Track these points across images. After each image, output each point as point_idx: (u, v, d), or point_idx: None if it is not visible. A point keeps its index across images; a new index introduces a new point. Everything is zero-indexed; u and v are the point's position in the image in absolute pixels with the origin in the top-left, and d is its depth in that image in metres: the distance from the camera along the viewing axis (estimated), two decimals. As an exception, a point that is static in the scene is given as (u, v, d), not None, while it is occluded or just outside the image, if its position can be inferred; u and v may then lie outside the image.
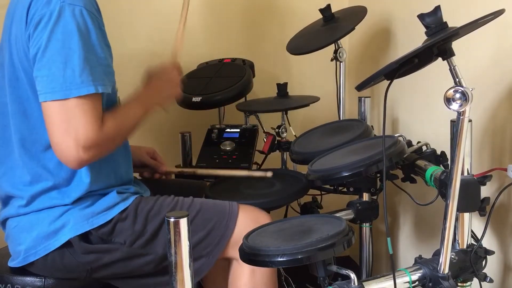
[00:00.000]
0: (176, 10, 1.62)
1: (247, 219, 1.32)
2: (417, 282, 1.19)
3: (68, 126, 1.13)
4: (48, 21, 1.14)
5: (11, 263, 1.30)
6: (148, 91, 1.40)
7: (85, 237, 1.26)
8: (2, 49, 1.30)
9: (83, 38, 1.16)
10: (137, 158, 1.58)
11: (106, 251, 1.27)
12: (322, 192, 1.80)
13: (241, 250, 1.14)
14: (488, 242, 1.39)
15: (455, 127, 1.09)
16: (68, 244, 1.25)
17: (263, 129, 1.90)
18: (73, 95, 1.13)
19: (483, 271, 1.27)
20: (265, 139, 1.84)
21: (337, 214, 1.52)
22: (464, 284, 1.27)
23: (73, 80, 1.13)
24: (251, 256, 1.11)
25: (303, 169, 1.55)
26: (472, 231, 1.28)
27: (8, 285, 1.28)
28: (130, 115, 1.29)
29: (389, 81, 1.10)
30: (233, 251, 1.32)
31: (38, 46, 1.15)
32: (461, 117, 1.07)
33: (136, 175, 1.58)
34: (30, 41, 1.17)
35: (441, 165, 1.38)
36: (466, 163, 1.21)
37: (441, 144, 1.41)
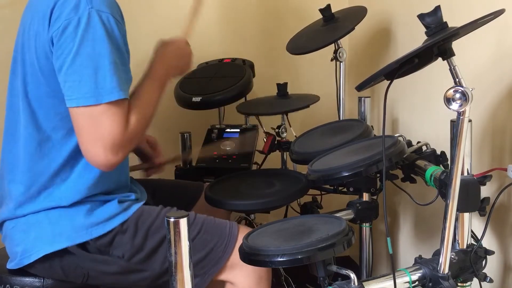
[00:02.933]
0: (177, 14, 1.62)
1: None
2: (417, 282, 1.19)
3: (96, 132, 1.14)
4: (77, 27, 1.14)
5: (9, 265, 1.29)
6: (161, 61, 1.38)
7: (82, 245, 1.26)
8: (18, 44, 1.30)
9: (112, 44, 1.16)
10: None
11: (103, 262, 1.27)
12: (322, 192, 1.80)
13: (241, 250, 1.14)
14: (488, 242, 1.39)
15: (455, 127, 1.09)
16: (66, 249, 1.25)
17: (263, 129, 1.90)
18: (104, 101, 1.14)
19: (483, 271, 1.27)
20: (265, 139, 1.84)
21: (337, 214, 1.52)
22: (464, 284, 1.27)
23: (104, 85, 1.14)
24: (251, 256, 1.11)
25: (303, 169, 1.55)
26: (472, 231, 1.27)
27: (7, 285, 1.28)
28: (149, 100, 1.28)
29: (389, 81, 1.10)
30: (229, 274, 1.32)
31: (67, 52, 1.15)
32: (461, 117, 1.07)
33: (135, 175, 1.58)
34: (54, 45, 1.16)
35: (441, 165, 1.37)
36: (466, 163, 1.20)
37: (441, 144, 1.41)
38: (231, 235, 1.33)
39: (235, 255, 1.27)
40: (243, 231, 1.34)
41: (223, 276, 1.33)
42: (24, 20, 1.30)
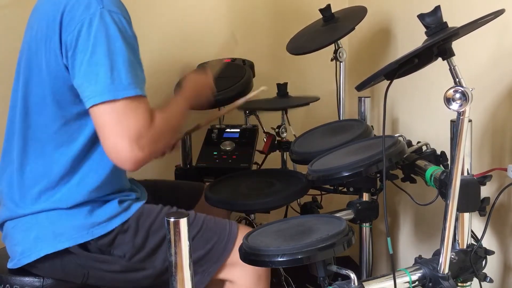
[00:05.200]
0: (179, 14, 1.62)
1: None
2: (417, 282, 1.19)
3: (121, 127, 1.13)
4: (89, 27, 1.15)
5: (9, 264, 1.29)
6: (187, 89, 1.43)
7: (83, 245, 1.25)
8: (24, 48, 1.30)
9: (126, 42, 1.17)
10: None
11: (104, 261, 1.27)
12: (322, 192, 1.80)
13: (241, 250, 1.14)
14: (488, 242, 1.39)
15: (455, 127, 1.09)
16: (66, 249, 1.24)
17: (263, 129, 1.90)
18: (122, 96, 1.14)
19: (483, 271, 1.27)
20: (265, 139, 1.84)
21: (337, 214, 1.52)
22: (464, 284, 1.27)
23: (120, 82, 1.14)
24: (251, 256, 1.11)
25: (303, 169, 1.55)
26: (472, 231, 1.27)
27: (7, 285, 1.28)
28: (176, 109, 1.32)
29: (389, 81, 1.10)
30: (229, 273, 1.32)
31: (83, 53, 1.15)
32: (461, 117, 1.07)
33: (136, 175, 1.57)
34: (71, 49, 1.16)
35: (441, 165, 1.38)
36: (466, 163, 1.21)
37: (441, 144, 1.41)
38: (231, 234, 1.33)
39: (235, 254, 1.28)
40: (243, 230, 1.35)
41: (222, 275, 1.33)
42: (31, 23, 1.30)
